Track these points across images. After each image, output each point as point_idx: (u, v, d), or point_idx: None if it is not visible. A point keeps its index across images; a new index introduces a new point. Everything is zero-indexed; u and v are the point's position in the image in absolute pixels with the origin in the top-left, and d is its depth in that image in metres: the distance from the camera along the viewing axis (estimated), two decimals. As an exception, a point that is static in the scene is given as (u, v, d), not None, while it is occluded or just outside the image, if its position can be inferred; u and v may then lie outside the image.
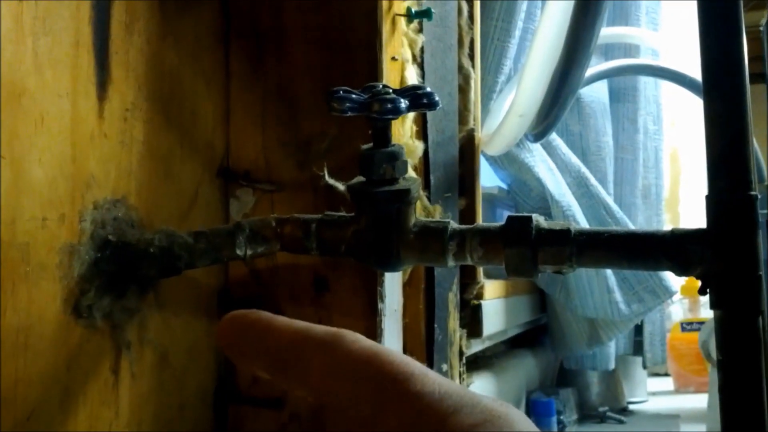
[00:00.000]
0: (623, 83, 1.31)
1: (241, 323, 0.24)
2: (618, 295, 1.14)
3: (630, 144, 1.31)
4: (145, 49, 0.45)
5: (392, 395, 0.20)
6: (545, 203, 1.08)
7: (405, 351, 0.58)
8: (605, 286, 1.13)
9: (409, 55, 0.56)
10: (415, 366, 0.21)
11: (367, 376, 0.21)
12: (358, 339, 0.22)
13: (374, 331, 0.51)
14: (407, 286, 0.56)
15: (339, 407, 0.22)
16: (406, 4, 0.55)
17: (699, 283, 0.41)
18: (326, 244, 0.43)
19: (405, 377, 0.21)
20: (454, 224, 0.42)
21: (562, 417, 1.32)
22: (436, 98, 0.40)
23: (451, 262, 0.42)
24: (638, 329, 1.49)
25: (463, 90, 0.68)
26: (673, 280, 1.20)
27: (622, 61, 1.21)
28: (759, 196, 0.40)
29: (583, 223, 1.11)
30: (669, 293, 1.20)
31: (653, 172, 1.37)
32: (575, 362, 1.41)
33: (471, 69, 0.68)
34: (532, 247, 0.40)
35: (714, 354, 0.50)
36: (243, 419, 0.54)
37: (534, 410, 1.23)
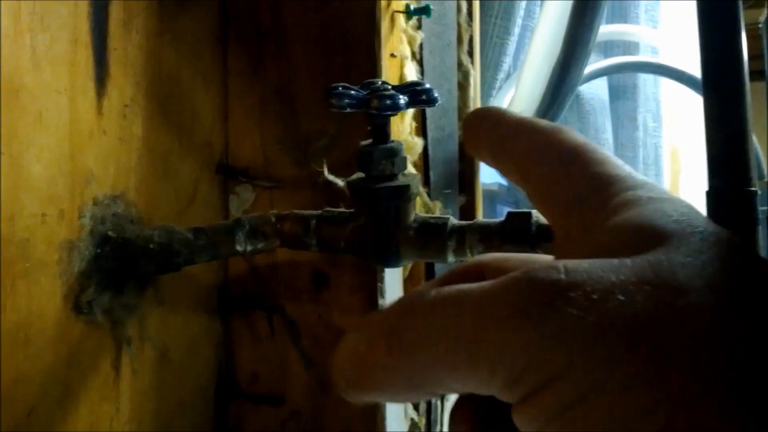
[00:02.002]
0: (623, 80, 1.30)
1: (481, 112, 0.26)
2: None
3: (629, 141, 1.31)
4: (144, 46, 0.45)
5: (582, 171, 0.22)
6: (545, 200, 1.08)
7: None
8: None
9: (408, 52, 0.56)
10: (605, 152, 0.23)
11: (567, 159, 0.23)
12: (574, 134, 0.23)
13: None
14: (408, 282, 0.56)
15: (534, 187, 0.23)
16: (404, 1, 0.55)
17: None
18: (326, 240, 0.43)
19: (598, 161, 0.22)
20: (453, 220, 0.42)
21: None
22: (435, 94, 0.40)
23: (451, 258, 0.42)
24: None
25: (463, 87, 0.68)
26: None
27: (622, 58, 1.21)
28: (759, 193, 0.40)
29: (582, 221, 1.11)
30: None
31: (653, 169, 1.37)
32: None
33: (470, 66, 0.68)
34: (532, 243, 0.40)
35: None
36: (243, 416, 0.54)
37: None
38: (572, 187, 0.22)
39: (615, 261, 0.17)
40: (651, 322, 0.16)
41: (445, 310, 0.18)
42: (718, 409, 0.15)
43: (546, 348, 0.16)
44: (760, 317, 0.16)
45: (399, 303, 0.20)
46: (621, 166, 0.22)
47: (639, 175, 0.22)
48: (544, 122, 0.24)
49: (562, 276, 0.17)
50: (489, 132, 0.25)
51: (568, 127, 0.24)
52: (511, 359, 0.17)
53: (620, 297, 0.16)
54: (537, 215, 0.42)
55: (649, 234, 0.19)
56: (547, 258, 0.24)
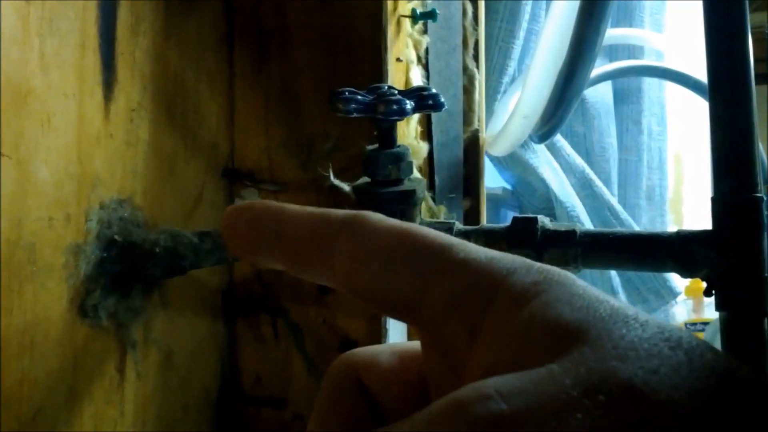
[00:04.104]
0: (627, 85, 1.30)
1: (250, 213, 0.21)
2: (622, 296, 1.13)
3: (634, 145, 1.31)
4: (151, 49, 0.45)
5: (436, 267, 0.18)
6: (549, 204, 1.08)
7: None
8: (609, 287, 1.12)
9: (413, 56, 0.56)
10: (451, 237, 0.19)
11: (403, 252, 0.18)
12: (383, 218, 0.19)
13: (378, 332, 0.51)
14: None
15: (373, 290, 0.19)
16: (410, 5, 0.55)
17: (704, 284, 0.41)
18: (331, 244, 0.43)
19: (444, 247, 0.18)
20: (458, 225, 0.42)
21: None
22: (442, 99, 0.40)
23: (455, 263, 0.42)
24: (642, 331, 1.48)
25: (468, 91, 0.68)
26: (677, 281, 1.19)
27: (627, 62, 1.21)
28: (764, 198, 0.40)
29: (587, 224, 1.11)
30: (673, 294, 1.19)
31: (657, 173, 1.37)
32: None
33: (475, 70, 0.68)
34: (538, 248, 0.40)
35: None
36: (246, 419, 0.54)
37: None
38: (435, 284, 0.18)
39: (542, 371, 0.15)
40: None
41: None
42: None
43: None
44: (728, 409, 0.14)
45: None
46: (472, 247, 0.18)
47: (500, 253, 0.18)
48: (340, 212, 0.20)
49: (503, 406, 0.14)
50: (276, 232, 0.20)
51: (372, 213, 0.20)
52: None
53: (578, 416, 0.14)
54: (543, 220, 0.42)
55: (560, 331, 0.16)
56: (401, 354, 0.21)
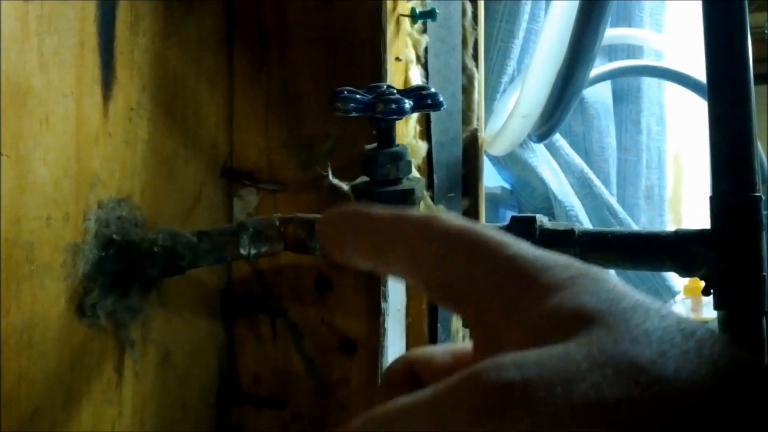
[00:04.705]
0: (627, 84, 1.30)
1: (341, 216, 0.24)
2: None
3: (633, 145, 1.31)
4: (150, 49, 0.45)
5: (486, 256, 0.20)
6: (548, 203, 1.08)
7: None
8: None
9: (413, 56, 0.56)
10: (507, 235, 0.21)
11: (461, 244, 0.21)
12: (452, 217, 0.22)
13: (377, 331, 0.51)
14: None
15: (434, 279, 0.21)
16: (410, 4, 0.55)
17: (702, 283, 0.41)
18: (330, 244, 0.43)
19: (498, 243, 0.20)
20: (457, 225, 0.42)
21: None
22: (441, 99, 0.40)
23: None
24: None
25: (467, 90, 0.68)
26: (676, 280, 1.19)
27: (626, 62, 1.21)
28: (763, 198, 0.40)
29: (586, 224, 1.11)
30: (672, 293, 1.19)
31: (656, 173, 1.37)
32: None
33: (474, 69, 0.68)
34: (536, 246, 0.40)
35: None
36: (245, 418, 0.54)
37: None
38: (483, 274, 0.20)
39: (559, 347, 0.16)
40: (629, 405, 0.15)
41: None
42: None
43: None
44: (734, 389, 0.15)
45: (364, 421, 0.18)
46: (523, 246, 0.21)
47: (547, 253, 0.20)
48: (414, 213, 0.23)
49: (514, 373, 0.15)
50: (358, 232, 0.23)
51: (444, 213, 0.23)
52: None
53: (583, 385, 0.15)
54: (541, 219, 0.42)
55: (581, 316, 0.17)
56: (470, 348, 0.22)
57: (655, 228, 1.37)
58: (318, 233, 0.25)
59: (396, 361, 0.25)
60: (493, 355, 0.17)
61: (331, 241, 0.24)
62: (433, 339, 0.59)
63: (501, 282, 0.20)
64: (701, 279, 0.41)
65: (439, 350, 0.24)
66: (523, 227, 0.41)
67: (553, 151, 1.12)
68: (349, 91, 0.39)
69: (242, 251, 0.43)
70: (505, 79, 0.95)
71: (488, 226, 0.43)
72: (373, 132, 0.41)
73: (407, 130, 0.55)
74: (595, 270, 0.19)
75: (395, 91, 0.40)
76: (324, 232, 0.24)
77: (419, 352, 0.25)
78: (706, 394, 0.15)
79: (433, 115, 0.59)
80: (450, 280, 0.21)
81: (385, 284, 0.51)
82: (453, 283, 0.21)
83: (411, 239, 0.22)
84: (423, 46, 0.58)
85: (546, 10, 0.75)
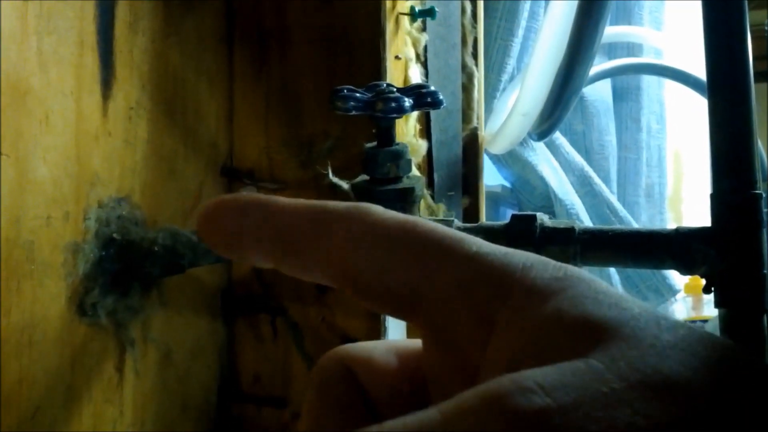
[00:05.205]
0: (626, 82, 1.30)
1: (235, 205, 0.19)
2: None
3: (633, 143, 1.31)
4: (149, 48, 0.45)
5: (444, 257, 0.17)
6: (549, 202, 1.08)
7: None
8: (608, 284, 1.12)
9: (412, 54, 0.56)
10: (464, 233, 0.18)
11: (410, 240, 0.17)
12: (388, 210, 0.18)
13: (378, 331, 0.51)
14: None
15: (372, 280, 0.18)
16: (409, 3, 0.55)
17: (703, 281, 0.41)
18: (330, 242, 0.43)
19: (455, 240, 0.17)
20: (457, 223, 0.42)
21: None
22: (441, 97, 0.40)
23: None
24: (641, 328, 1.48)
25: (467, 89, 0.68)
26: (676, 278, 1.19)
27: (626, 60, 1.21)
28: (763, 195, 0.40)
29: (586, 222, 1.11)
30: (672, 291, 1.19)
31: (656, 171, 1.37)
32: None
33: (474, 68, 0.68)
34: (537, 245, 0.40)
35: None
36: (246, 418, 0.54)
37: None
38: (443, 275, 0.17)
39: (579, 364, 0.14)
40: (675, 428, 0.13)
41: None
42: None
43: None
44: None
45: None
46: (483, 242, 0.18)
47: (512, 249, 0.18)
48: (338, 205, 0.19)
49: (548, 400, 0.13)
50: (262, 226, 0.19)
51: (374, 205, 0.19)
52: None
53: (627, 409, 0.13)
54: (541, 217, 0.42)
55: (590, 327, 0.15)
56: (414, 347, 0.20)
57: (656, 226, 1.37)
58: (199, 223, 0.20)
59: (327, 359, 0.21)
60: (489, 371, 0.15)
61: (220, 234, 0.19)
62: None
63: (469, 283, 0.17)
64: (702, 277, 0.41)
65: (378, 348, 0.21)
66: (523, 225, 0.41)
67: (554, 149, 1.13)
68: (348, 90, 0.39)
69: (242, 250, 0.43)
70: (505, 77, 0.95)
71: (485, 224, 0.44)
72: (373, 131, 0.41)
73: (407, 129, 0.55)
74: (577, 270, 0.17)
75: (395, 89, 0.40)
76: (210, 220, 0.20)
77: (354, 349, 0.21)
78: (741, 408, 0.14)
79: (433, 113, 0.59)
80: (394, 284, 0.18)
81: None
82: (399, 288, 0.18)
83: (337, 237, 0.18)
84: (422, 44, 0.58)
85: (545, 8, 0.75)
